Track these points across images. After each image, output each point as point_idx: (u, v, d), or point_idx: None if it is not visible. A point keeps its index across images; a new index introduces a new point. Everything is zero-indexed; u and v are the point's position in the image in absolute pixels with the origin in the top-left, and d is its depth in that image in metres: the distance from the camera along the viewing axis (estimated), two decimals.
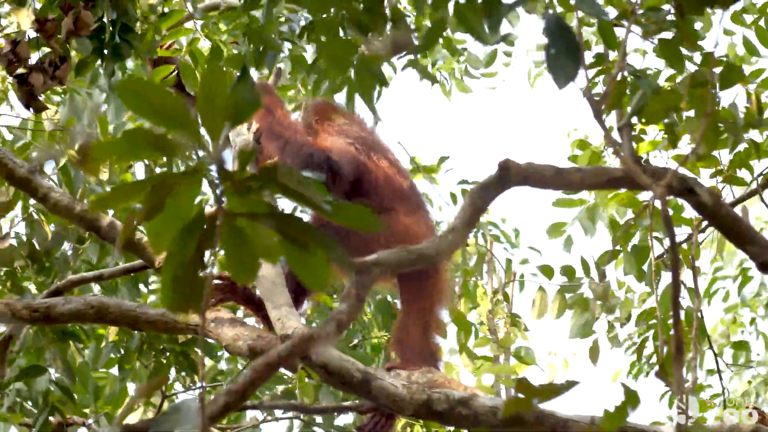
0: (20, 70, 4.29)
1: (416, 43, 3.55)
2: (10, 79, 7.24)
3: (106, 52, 4.49)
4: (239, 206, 2.55)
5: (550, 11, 2.92)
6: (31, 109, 4.39)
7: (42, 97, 4.49)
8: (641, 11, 3.51)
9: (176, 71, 5.32)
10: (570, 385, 2.66)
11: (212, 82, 2.33)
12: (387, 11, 3.60)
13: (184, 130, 2.35)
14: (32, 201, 6.40)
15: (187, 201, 2.49)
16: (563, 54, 2.81)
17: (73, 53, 4.53)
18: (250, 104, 2.48)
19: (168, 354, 6.30)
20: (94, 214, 4.94)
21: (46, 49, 4.48)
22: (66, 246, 6.81)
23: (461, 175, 8.74)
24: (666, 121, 4.03)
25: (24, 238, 6.73)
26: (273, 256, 2.62)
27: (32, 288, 6.83)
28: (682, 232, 6.79)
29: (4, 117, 7.56)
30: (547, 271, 6.66)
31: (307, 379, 4.71)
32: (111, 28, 4.46)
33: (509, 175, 3.13)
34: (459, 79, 8.65)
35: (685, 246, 6.67)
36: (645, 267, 6.69)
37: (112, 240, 5.30)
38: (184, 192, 2.49)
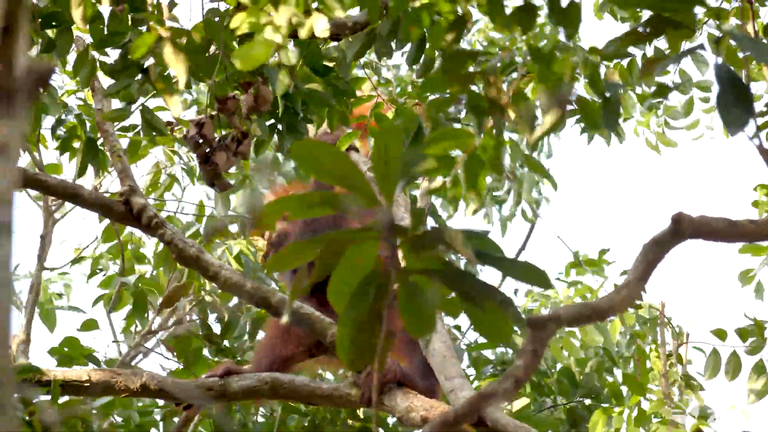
0: (205, 150, 4.43)
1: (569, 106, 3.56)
2: (193, 161, 7.49)
3: (279, 127, 4.61)
4: (414, 263, 2.59)
5: (719, 59, 2.92)
6: (216, 188, 4.51)
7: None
8: None
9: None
10: None
11: (386, 141, 2.37)
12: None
13: (356, 190, 2.41)
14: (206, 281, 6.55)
15: (363, 259, 2.54)
16: (734, 103, 2.80)
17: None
18: (425, 163, 2.52)
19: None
20: (269, 274, 5.02)
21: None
22: (242, 323, 6.94)
23: (624, 266, 8.61)
24: None
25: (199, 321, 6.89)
26: (450, 311, 2.65)
27: None
28: None
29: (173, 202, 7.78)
30: (720, 334, 6.52)
31: None
32: (286, 103, 4.58)
33: (682, 228, 3.10)
34: (660, 132, 8.44)
35: None
36: None
37: (288, 320, 5.37)
38: (357, 250, 2.54)
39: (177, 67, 4.11)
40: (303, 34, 3.75)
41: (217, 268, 5.27)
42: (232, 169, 5.22)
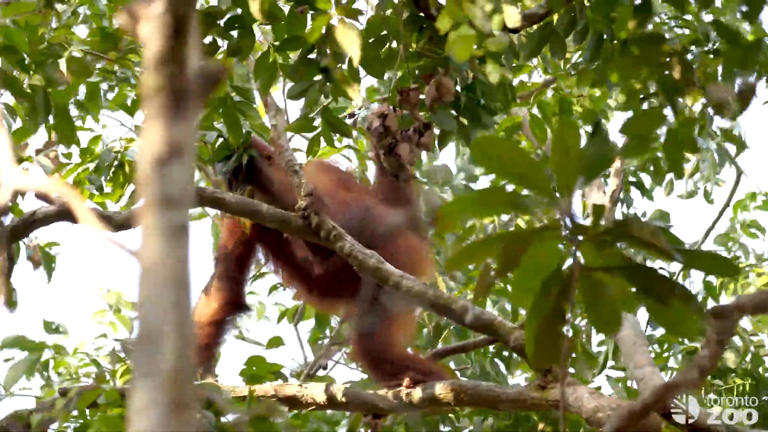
0: (389, 142, 4.50)
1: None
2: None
3: (461, 119, 4.63)
4: (595, 260, 2.58)
5: None
6: (400, 179, 4.58)
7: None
8: None
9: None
10: None
11: (565, 137, 2.37)
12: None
13: (536, 187, 2.41)
14: None
15: (544, 257, 2.54)
16: None
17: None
18: (603, 159, 2.51)
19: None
20: (449, 270, 5.04)
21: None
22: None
23: None
24: None
25: None
26: (631, 307, 2.63)
27: None
28: None
29: None
30: None
31: None
32: (469, 94, 4.60)
33: None
34: None
35: None
36: None
37: (468, 324, 5.37)
38: (538, 248, 2.54)
39: (350, 47, 4.18)
40: (495, 25, 3.78)
41: (397, 278, 5.29)
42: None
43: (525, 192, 2.46)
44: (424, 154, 7.47)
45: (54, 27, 5.27)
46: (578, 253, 2.57)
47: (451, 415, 6.70)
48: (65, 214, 5.08)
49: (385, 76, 4.68)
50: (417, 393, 5.38)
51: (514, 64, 4.62)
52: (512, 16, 3.78)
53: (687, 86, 3.61)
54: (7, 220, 4.92)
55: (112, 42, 5.41)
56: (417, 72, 4.51)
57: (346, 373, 8.75)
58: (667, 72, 3.66)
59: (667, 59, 3.68)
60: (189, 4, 1.57)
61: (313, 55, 4.55)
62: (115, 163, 5.60)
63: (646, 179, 7.62)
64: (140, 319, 1.72)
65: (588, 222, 2.55)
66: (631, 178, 7.56)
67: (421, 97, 4.56)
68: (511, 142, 2.45)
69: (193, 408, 1.72)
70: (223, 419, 3.99)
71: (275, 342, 7.37)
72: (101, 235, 1.89)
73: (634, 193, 7.68)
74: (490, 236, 2.49)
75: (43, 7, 5.00)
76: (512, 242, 2.49)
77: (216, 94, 5.07)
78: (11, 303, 5.29)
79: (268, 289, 7.87)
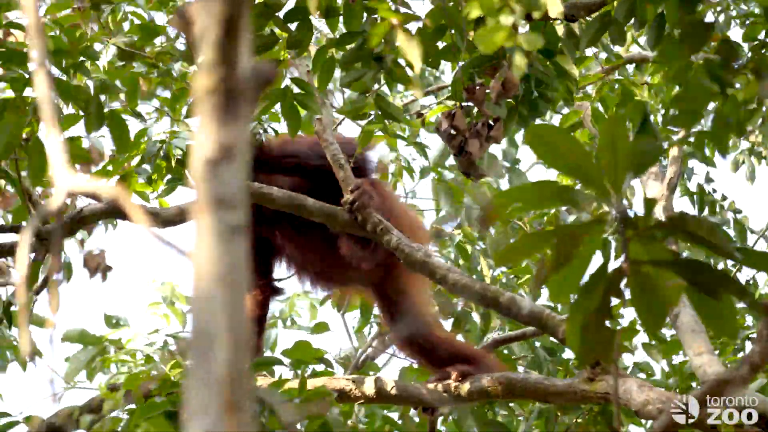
0: (459, 142, 4.51)
1: None
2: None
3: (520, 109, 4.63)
4: (644, 254, 2.56)
5: None
6: (472, 177, 4.58)
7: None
8: None
9: None
10: None
11: (614, 131, 2.36)
12: None
13: (588, 180, 2.40)
14: None
15: (590, 250, 2.52)
16: None
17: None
18: (651, 154, 2.49)
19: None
20: (498, 265, 5.03)
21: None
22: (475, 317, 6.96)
23: None
24: None
25: None
26: (674, 299, 2.61)
27: None
28: None
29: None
30: None
31: None
32: (525, 84, 4.60)
33: None
34: None
35: None
36: None
37: (515, 316, 5.35)
38: (589, 242, 2.53)
39: (411, 53, 4.18)
40: (537, 15, 3.77)
41: (444, 271, 5.28)
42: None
43: (576, 185, 2.45)
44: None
45: (93, 28, 5.31)
46: (627, 248, 2.55)
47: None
48: (113, 211, 5.11)
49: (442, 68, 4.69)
50: (466, 386, 5.37)
51: (577, 55, 4.62)
52: (555, 6, 3.76)
53: (734, 72, 3.59)
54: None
55: (153, 37, 5.45)
56: (476, 66, 4.51)
57: (398, 365, 8.74)
58: (714, 56, 3.65)
59: (714, 44, 3.67)
60: (240, 6, 1.58)
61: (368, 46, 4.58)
62: (161, 154, 5.65)
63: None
64: (194, 321, 1.72)
65: (640, 215, 2.53)
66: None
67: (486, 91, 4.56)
68: (566, 132, 2.43)
69: (248, 410, 1.72)
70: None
71: (321, 327, 7.39)
72: (151, 233, 1.90)
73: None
74: (542, 231, 2.47)
75: (88, 9, 5.03)
76: (566, 237, 2.48)
77: (274, 86, 5.11)
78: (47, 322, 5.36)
79: None
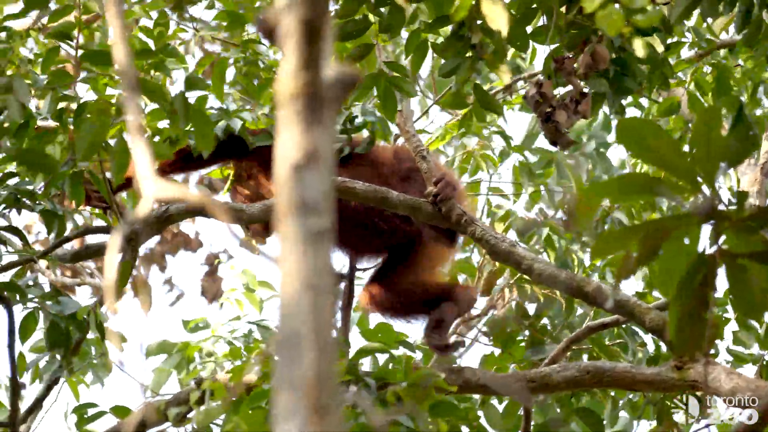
0: (546, 109, 4.49)
1: None
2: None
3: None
4: (739, 246, 2.52)
5: None
6: (558, 146, 4.56)
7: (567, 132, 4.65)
8: None
9: None
10: None
11: (708, 123, 2.32)
12: None
13: (678, 172, 2.36)
14: None
15: (687, 244, 2.49)
16: None
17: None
18: (746, 146, 2.45)
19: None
20: (594, 259, 4.98)
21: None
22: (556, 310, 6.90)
23: None
24: None
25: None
26: None
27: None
28: None
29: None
30: None
31: None
32: (617, 68, 4.55)
33: None
34: None
35: None
36: None
37: (600, 305, 5.31)
38: (680, 235, 2.49)
39: (497, 20, 4.16)
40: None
41: (530, 262, 5.25)
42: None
43: (666, 177, 2.42)
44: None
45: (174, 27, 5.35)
46: (721, 240, 2.51)
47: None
48: (197, 210, 5.13)
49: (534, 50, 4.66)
50: (553, 375, 5.34)
51: (669, 41, 4.56)
52: None
53: None
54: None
55: (241, 25, 5.47)
56: (566, 45, 4.48)
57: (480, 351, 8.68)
58: None
59: None
60: (323, 9, 1.56)
61: (463, 33, 4.55)
62: None
63: None
64: (281, 325, 1.72)
65: (732, 207, 2.49)
66: None
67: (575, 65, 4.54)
68: (656, 125, 2.39)
69: (335, 413, 1.72)
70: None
71: None
72: (238, 235, 1.90)
73: None
74: (632, 225, 2.44)
75: (172, 9, 5.06)
76: (653, 230, 2.45)
77: (368, 70, 5.13)
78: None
79: None
